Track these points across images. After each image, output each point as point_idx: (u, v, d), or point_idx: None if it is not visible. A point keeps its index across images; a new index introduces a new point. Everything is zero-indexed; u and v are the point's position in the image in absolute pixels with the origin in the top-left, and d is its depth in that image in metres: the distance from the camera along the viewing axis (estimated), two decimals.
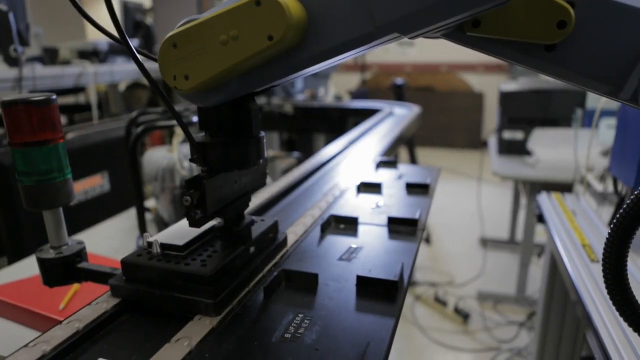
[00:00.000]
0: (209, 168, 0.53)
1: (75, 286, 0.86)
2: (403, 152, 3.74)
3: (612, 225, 0.43)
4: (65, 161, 0.61)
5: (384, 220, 0.75)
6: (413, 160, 3.44)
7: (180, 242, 0.56)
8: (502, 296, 2.65)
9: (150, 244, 0.56)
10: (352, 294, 0.54)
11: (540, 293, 1.55)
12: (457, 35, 0.48)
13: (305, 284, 0.56)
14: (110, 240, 1.31)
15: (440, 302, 2.60)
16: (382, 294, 0.54)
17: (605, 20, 0.43)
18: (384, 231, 0.73)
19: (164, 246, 0.56)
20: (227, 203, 0.56)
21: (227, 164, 0.54)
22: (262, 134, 0.57)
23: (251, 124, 0.54)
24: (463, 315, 2.48)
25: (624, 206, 0.42)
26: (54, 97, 0.59)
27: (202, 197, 0.51)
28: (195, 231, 0.59)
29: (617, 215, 0.43)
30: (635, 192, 0.41)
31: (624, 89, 0.44)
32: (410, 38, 0.44)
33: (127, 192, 1.57)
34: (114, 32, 0.50)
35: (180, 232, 0.59)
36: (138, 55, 0.50)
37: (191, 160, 0.55)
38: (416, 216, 0.74)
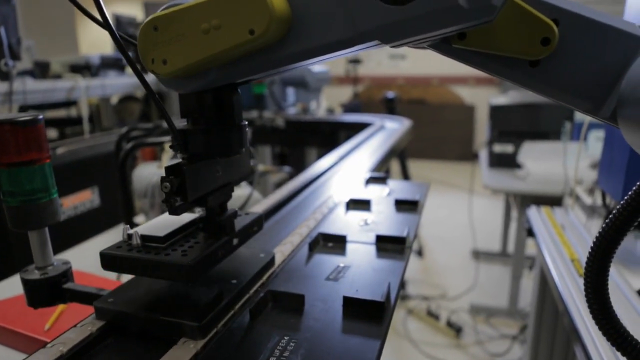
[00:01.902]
0: (190, 155, 0.53)
1: (62, 306, 0.85)
2: (395, 165, 3.76)
3: (591, 246, 0.43)
4: (52, 181, 0.60)
5: (372, 238, 0.75)
6: (405, 172, 3.45)
7: (161, 233, 0.55)
8: (495, 309, 2.65)
9: (130, 236, 0.55)
10: (339, 315, 0.54)
11: (531, 307, 1.55)
12: (443, 46, 0.48)
13: (292, 305, 0.56)
14: (99, 257, 1.29)
15: (433, 315, 2.59)
16: (368, 314, 0.54)
17: (589, 39, 0.44)
18: (372, 249, 0.73)
19: (144, 238, 0.55)
20: (208, 192, 0.56)
21: (208, 152, 0.53)
22: (245, 122, 0.57)
23: (233, 113, 0.54)
24: (455, 329, 2.47)
25: (604, 225, 0.43)
26: (41, 117, 0.59)
27: (182, 184, 0.50)
28: (178, 223, 0.58)
29: (597, 235, 0.43)
30: (613, 212, 0.42)
31: (604, 108, 0.45)
32: (392, 47, 0.44)
33: (117, 208, 1.56)
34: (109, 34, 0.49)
35: (163, 224, 0.58)
36: (129, 64, 0.50)
37: (171, 147, 0.55)
38: (404, 234, 0.74)
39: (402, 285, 2.89)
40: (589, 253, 0.44)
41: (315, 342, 0.49)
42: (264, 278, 0.64)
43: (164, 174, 0.51)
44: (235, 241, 0.59)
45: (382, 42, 0.42)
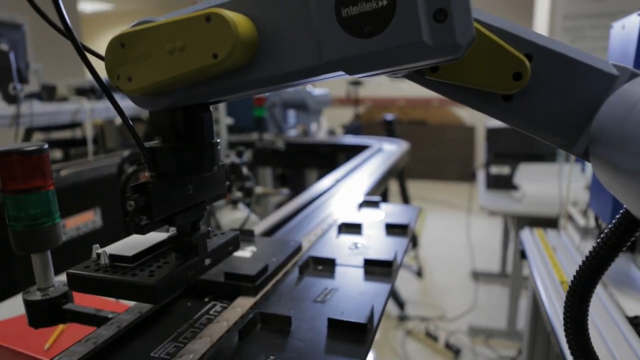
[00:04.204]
0: (158, 174, 0.52)
1: (62, 326, 0.87)
2: (394, 185, 3.79)
3: (568, 292, 0.44)
4: (55, 206, 0.64)
5: (361, 262, 0.78)
6: (404, 193, 3.48)
7: (130, 253, 0.54)
8: (494, 330, 2.64)
9: (99, 255, 0.55)
10: (324, 336, 0.57)
11: (525, 328, 1.56)
12: (417, 77, 0.48)
13: (279, 326, 0.59)
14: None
15: (432, 337, 2.59)
16: (351, 335, 0.57)
17: (562, 76, 0.44)
18: (360, 272, 0.75)
19: (113, 257, 0.55)
20: (178, 211, 0.54)
21: (177, 170, 0.52)
22: (217, 140, 0.56)
23: (203, 131, 0.53)
24: (454, 351, 2.47)
25: (578, 269, 0.43)
26: (46, 146, 0.63)
27: (148, 202, 0.49)
28: (149, 243, 0.58)
29: (573, 279, 0.43)
30: (587, 256, 0.42)
31: (577, 145, 0.45)
32: (359, 78, 0.44)
33: (119, 229, 1.59)
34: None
35: (134, 244, 0.58)
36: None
37: (139, 164, 0.55)
38: (391, 258, 0.77)
39: (401, 305, 2.89)
40: (567, 297, 0.44)
41: None
42: (257, 298, 0.67)
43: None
44: (207, 261, 0.58)
45: (347, 73, 0.41)
